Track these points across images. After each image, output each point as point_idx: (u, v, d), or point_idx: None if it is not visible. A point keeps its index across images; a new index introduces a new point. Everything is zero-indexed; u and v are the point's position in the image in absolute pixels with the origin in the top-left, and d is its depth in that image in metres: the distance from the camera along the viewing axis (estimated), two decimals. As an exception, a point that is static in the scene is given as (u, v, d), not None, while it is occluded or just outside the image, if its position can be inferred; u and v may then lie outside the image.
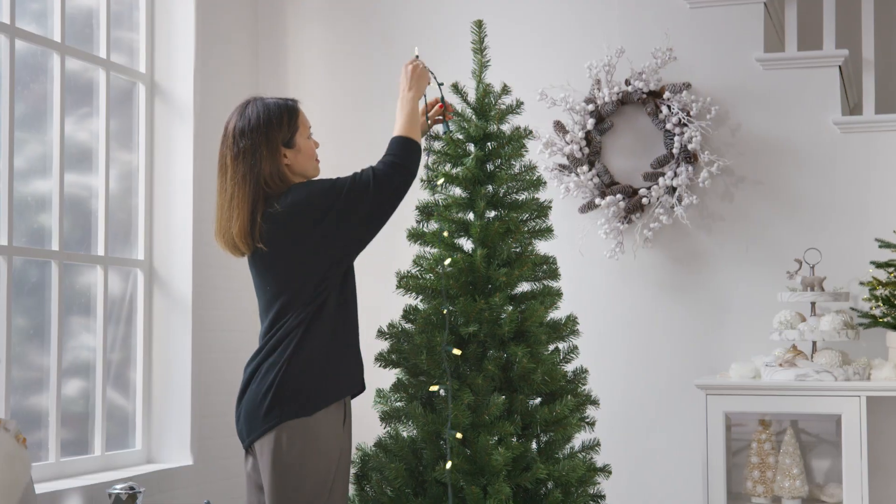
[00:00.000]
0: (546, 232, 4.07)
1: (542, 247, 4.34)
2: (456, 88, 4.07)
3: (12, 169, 4.43)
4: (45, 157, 4.76)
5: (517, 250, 4.00)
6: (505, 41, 5.49)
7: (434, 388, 3.77)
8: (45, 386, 4.68)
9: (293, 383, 3.45)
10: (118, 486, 4.15)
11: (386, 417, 3.94)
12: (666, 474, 5.19)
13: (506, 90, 4.08)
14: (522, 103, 4.09)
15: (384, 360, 3.94)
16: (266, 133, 3.50)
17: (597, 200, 5.19)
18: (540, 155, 5.27)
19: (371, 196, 3.51)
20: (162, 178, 5.22)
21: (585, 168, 5.19)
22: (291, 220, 3.47)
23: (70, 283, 4.86)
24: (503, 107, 4.05)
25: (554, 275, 4.07)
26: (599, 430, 5.18)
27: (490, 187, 3.99)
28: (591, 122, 5.21)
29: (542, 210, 4.07)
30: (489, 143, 4.05)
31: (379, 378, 4.07)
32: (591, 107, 5.22)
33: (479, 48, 4.05)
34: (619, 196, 5.16)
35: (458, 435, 3.69)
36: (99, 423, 4.86)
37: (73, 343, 4.92)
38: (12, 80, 4.42)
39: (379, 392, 3.97)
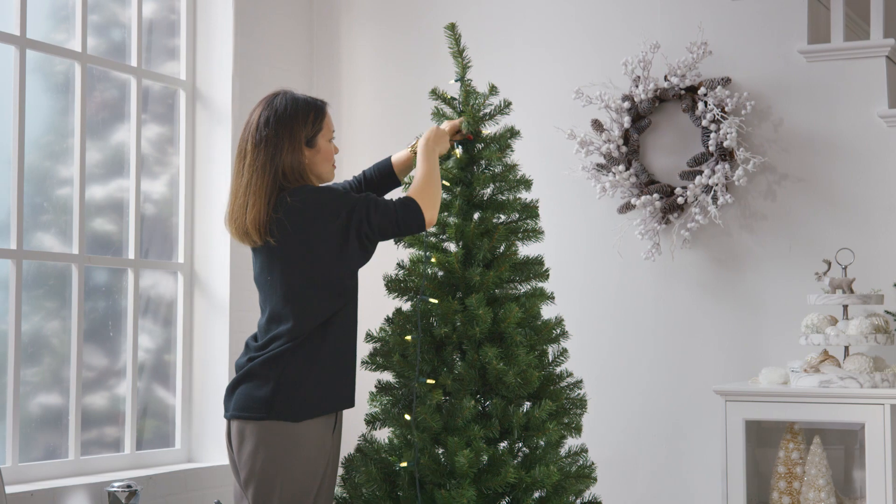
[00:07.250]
0: (534, 233, 3.99)
1: (543, 248, 4.26)
2: (434, 93, 4.02)
3: (22, 172, 4.58)
4: (100, 164, 4.97)
5: (500, 251, 3.93)
6: (540, 39, 5.40)
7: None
8: (99, 385, 4.89)
9: (290, 390, 3.45)
10: (116, 485, 4.23)
11: (370, 420, 3.93)
12: (697, 482, 5.00)
13: (493, 91, 4.01)
14: (510, 104, 4.00)
15: (369, 363, 3.93)
16: (291, 126, 3.51)
17: (633, 200, 5.04)
18: (576, 154, 5.17)
19: (374, 217, 3.51)
20: (202, 183, 5.33)
21: (622, 168, 5.05)
22: (303, 217, 3.46)
23: (125, 286, 5.03)
24: (489, 108, 3.99)
25: (543, 276, 3.98)
26: (627, 435, 5.07)
27: (471, 188, 3.93)
28: (627, 120, 5.07)
29: (530, 211, 3.98)
30: (477, 145, 3.99)
31: (373, 379, 4.05)
32: (627, 104, 5.07)
33: (458, 51, 3.98)
34: (655, 196, 5.01)
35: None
36: (129, 421, 4.98)
37: (131, 343, 5.07)
38: (23, 89, 4.58)
39: (371, 395, 3.96)
